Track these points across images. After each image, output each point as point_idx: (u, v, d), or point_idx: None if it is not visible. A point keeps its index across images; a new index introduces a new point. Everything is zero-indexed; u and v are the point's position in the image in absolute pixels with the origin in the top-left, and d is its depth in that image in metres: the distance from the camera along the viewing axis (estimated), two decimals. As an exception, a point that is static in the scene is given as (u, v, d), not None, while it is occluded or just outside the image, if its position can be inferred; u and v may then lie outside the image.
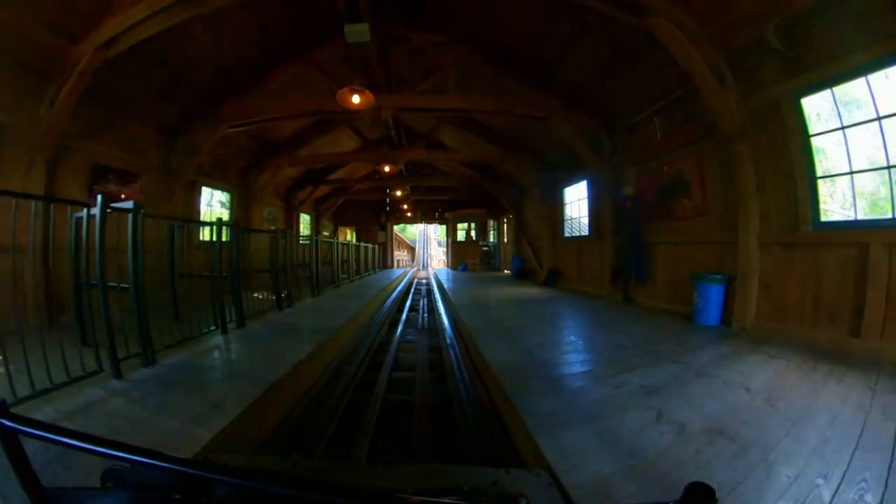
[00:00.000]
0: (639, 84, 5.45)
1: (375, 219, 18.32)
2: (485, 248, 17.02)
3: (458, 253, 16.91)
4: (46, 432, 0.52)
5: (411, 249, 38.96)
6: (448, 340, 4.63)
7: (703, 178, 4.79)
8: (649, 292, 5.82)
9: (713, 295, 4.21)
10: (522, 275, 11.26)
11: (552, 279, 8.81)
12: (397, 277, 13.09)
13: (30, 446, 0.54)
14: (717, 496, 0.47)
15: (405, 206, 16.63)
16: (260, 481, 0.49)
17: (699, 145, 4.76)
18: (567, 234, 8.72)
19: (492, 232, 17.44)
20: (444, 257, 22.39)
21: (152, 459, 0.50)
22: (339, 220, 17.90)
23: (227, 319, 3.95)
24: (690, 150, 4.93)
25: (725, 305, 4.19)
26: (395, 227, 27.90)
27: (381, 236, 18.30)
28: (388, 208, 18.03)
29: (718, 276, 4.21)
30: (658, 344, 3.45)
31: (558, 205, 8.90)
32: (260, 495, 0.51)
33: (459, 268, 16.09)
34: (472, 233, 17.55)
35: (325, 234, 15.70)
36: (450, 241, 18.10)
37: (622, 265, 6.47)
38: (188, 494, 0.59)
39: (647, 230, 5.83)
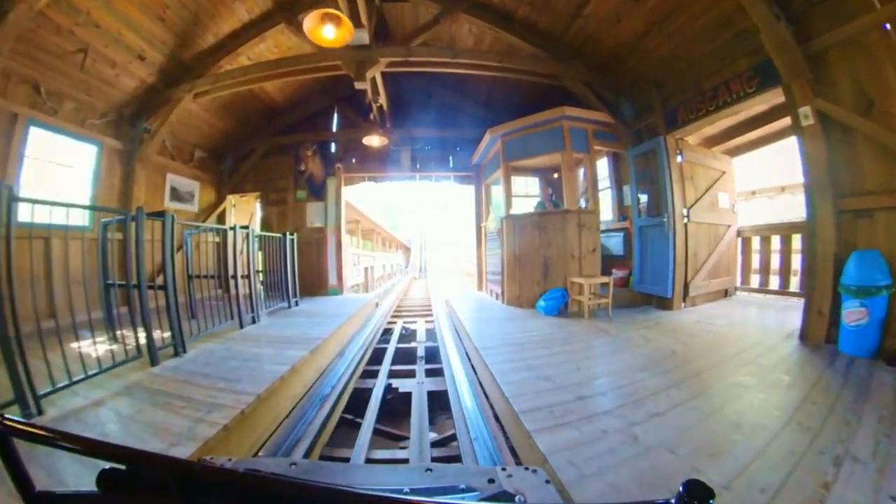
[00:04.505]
0: None
1: (296, 171, 7.22)
2: (614, 235, 5.90)
3: (522, 255, 5.22)
4: (40, 435, 0.51)
5: (406, 251, 28.26)
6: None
7: None
8: None
9: None
10: None
11: None
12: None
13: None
14: (714, 494, 0.42)
15: (376, 100, 5.30)
16: (257, 483, 0.48)
17: None
18: None
19: (606, 192, 6.28)
20: (475, 267, 8.18)
21: (148, 462, 0.49)
22: (234, 181, 7.40)
23: None
24: None
25: None
26: (380, 215, 15.89)
27: (311, 214, 7.41)
28: (334, 141, 7.36)
29: None
30: None
31: None
32: (257, 497, 0.49)
33: (542, 305, 4.73)
34: (578, 197, 5.56)
35: (186, 207, 6.40)
36: (496, 224, 6.27)
37: None
38: (185, 497, 0.53)
39: None
